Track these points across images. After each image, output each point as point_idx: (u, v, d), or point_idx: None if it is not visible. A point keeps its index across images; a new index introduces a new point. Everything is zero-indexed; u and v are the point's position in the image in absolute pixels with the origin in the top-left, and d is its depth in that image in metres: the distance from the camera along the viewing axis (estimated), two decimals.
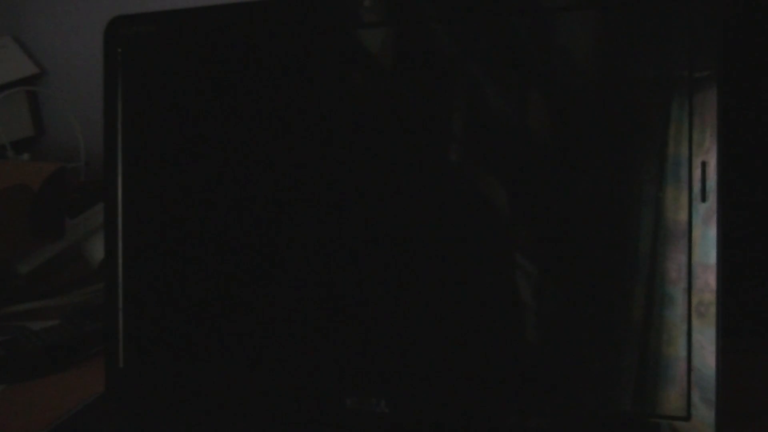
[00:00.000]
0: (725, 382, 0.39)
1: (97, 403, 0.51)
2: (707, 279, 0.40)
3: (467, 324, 0.44)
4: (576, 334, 0.42)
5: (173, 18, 0.52)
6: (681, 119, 0.40)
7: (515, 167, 0.44)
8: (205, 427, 0.47)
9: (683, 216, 0.40)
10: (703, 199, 0.40)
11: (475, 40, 0.44)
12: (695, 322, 0.40)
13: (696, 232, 0.40)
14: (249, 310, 0.49)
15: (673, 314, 0.40)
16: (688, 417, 0.40)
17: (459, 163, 0.45)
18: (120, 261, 0.52)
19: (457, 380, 0.44)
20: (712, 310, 0.40)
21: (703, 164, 0.40)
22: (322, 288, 0.47)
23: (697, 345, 0.40)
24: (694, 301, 0.40)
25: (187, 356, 0.50)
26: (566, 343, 0.42)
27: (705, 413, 0.39)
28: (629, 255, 0.41)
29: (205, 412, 0.49)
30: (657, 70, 0.41)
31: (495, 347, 0.44)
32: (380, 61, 0.47)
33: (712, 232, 0.40)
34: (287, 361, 0.48)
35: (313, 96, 0.48)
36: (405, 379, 0.45)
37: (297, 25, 0.48)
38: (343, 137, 0.47)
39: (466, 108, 0.45)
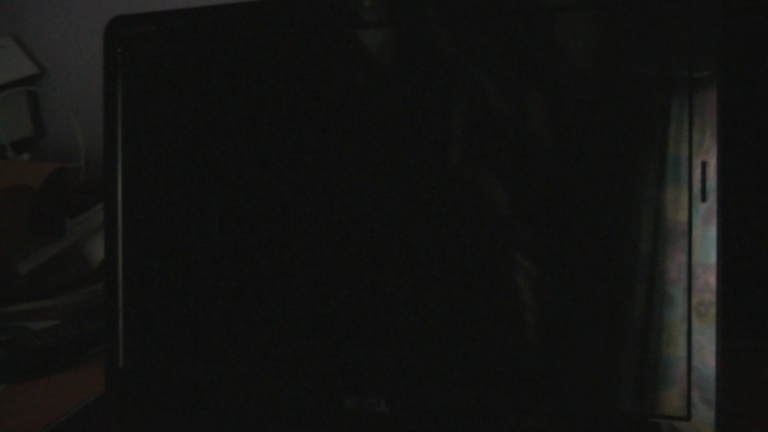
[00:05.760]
0: (725, 382, 0.39)
1: (97, 403, 0.51)
2: (707, 279, 0.40)
3: (467, 324, 0.44)
4: (576, 334, 0.42)
5: (173, 18, 0.52)
6: (681, 119, 0.40)
7: (515, 167, 0.44)
8: (205, 427, 0.47)
9: (683, 216, 0.40)
10: (703, 199, 0.40)
11: (475, 40, 0.44)
12: (695, 322, 0.40)
13: (696, 232, 0.40)
14: (249, 310, 0.49)
15: (673, 314, 0.40)
16: (688, 417, 0.40)
17: (459, 162, 0.45)
18: (120, 261, 0.52)
19: (457, 380, 0.44)
20: (712, 310, 0.40)
21: (703, 164, 0.40)
22: (323, 288, 0.47)
23: (697, 345, 0.40)
24: (694, 301, 0.40)
25: (187, 356, 0.50)
26: (566, 343, 0.42)
27: (705, 413, 0.39)
28: (629, 255, 0.41)
29: (204, 412, 0.49)
30: (657, 70, 0.41)
31: (495, 347, 0.44)
32: (380, 61, 0.47)
33: (712, 232, 0.40)
34: (287, 361, 0.48)
35: (314, 96, 0.48)
36: (405, 379, 0.45)
37: (297, 25, 0.48)
38: (343, 137, 0.47)
39: (466, 108, 0.45)
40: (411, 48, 0.46)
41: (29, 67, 1.11)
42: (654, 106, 0.41)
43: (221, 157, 0.50)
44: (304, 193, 0.48)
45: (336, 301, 0.47)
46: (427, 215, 0.45)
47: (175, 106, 0.51)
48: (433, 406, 0.45)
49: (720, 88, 0.40)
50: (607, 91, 0.42)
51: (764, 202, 0.62)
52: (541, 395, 0.43)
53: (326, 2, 0.48)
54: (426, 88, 0.45)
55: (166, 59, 0.51)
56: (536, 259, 0.43)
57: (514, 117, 0.44)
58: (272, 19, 0.49)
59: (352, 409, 0.46)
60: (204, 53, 0.50)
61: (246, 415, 0.48)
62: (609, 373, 0.42)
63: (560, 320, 0.43)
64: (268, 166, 0.49)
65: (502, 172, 0.44)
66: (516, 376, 0.43)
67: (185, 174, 0.51)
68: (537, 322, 0.43)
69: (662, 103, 0.41)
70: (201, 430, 0.47)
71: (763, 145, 0.62)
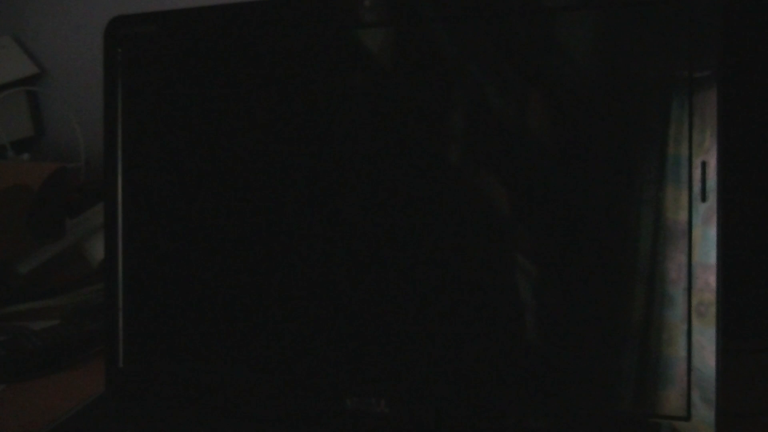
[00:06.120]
0: (725, 382, 0.39)
1: (97, 403, 0.51)
2: (707, 279, 0.40)
3: (467, 324, 0.44)
4: (576, 334, 0.42)
5: (173, 18, 0.52)
6: (681, 119, 0.40)
7: (515, 167, 0.44)
8: (205, 427, 0.47)
9: (683, 216, 0.40)
10: (703, 199, 0.40)
11: (475, 40, 0.44)
12: (695, 322, 0.40)
13: (696, 232, 0.40)
14: (249, 310, 0.49)
15: (673, 314, 0.40)
16: (688, 417, 0.40)
17: (459, 163, 0.45)
18: (120, 261, 0.52)
19: (457, 380, 0.44)
20: (712, 310, 0.40)
21: (703, 164, 0.40)
22: (323, 288, 0.47)
23: (697, 345, 0.40)
24: (694, 301, 0.40)
25: (187, 356, 0.50)
26: (566, 343, 0.42)
27: (705, 413, 0.39)
28: (629, 255, 0.41)
29: (205, 412, 0.49)
30: (657, 70, 0.41)
31: (495, 347, 0.44)
32: (380, 61, 0.47)
33: (712, 232, 0.40)
34: (287, 361, 0.48)
35: (314, 96, 0.48)
36: (405, 379, 0.45)
37: (297, 25, 0.48)
38: (343, 137, 0.47)
39: (466, 108, 0.45)
40: (411, 48, 0.46)
41: (29, 67, 1.11)
42: (654, 106, 0.41)
43: (221, 157, 0.50)
44: (304, 194, 0.48)
45: (336, 301, 0.47)
46: (428, 215, 0.45)
47: (175, 106, 0.51)
48: (433, 406, 0.45)
49: (720, 88, 0.40)
50: (607, 91, 0.42)
51: (764, 202, 0.62)
52: (542, 395, 0.43)
53: (326, 2, 0.48)
54: (426, 88, 0.45)
55: (166, 59, 0.51)
56: (536, 259, 0.43)
57: (513, 117, 0.44)
58: (272, 19, 0.49)
59: (352, 409, 0.46)
60: (204, 53, 0.50)
61: (246, 415, 0.48)
62: (609, 373, 0.42)
63: (560, 320, 0.43)
64: (268, 166, 0.49)
65: (502, 172, 0.44)
66: (516, 376, 0.43)
67: (185, 174, 0.51)
68: (537, 322, 0.43)
69: (662, 103, 0.41)
70: (200, 430, 0.47)
71: (763, 145, 0.62)
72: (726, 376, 0.39)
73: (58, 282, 0.80)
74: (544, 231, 0.43)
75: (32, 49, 1.14)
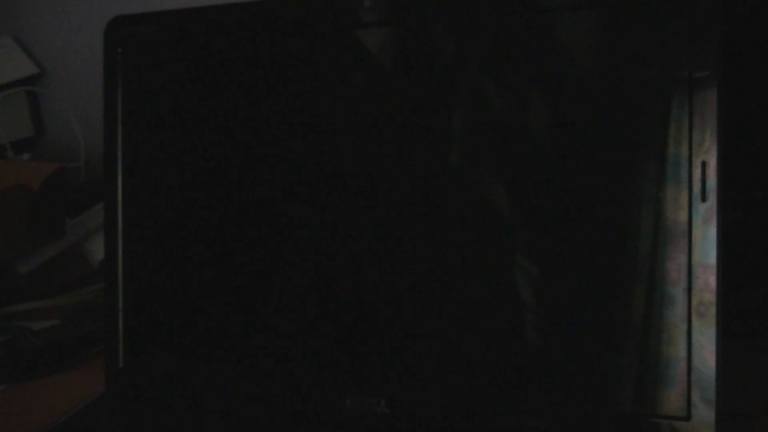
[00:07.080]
0: (725, 382, 0.39)
1: (97, 403, 0.51)
2: (707, 279, 0.40)
3: (467, 324, 0.44)
4: (576, 334, 0.42)
5: (173, 18, 0.52)
6: (681, 119, 0.40)
7: (515, 167, 0.44)
8: (204, 427, 0.47)
9: (683, 216, 0.40)
10: (703, 199, 0.40)
11: (476, 40, 0.44)
12: (695, 322, 0.40)
13: (696, 232, 0.40)
14: (249, 310, 0.49)
15: (673, 314, 0.40)
16: (688, 417, 0.40)
17: (459, 162, 0.45)
18: (120, 261, 0.52)
19: (457, 380, 0.44)
20: (712, 310, 0.40)
21: (703, 164, 0.40)
22: (323, 288, 0.47)
23: (697, 345, 0.40)
24: (694, 301, 0.40)
25: (187, 356, 0.50)
26: (566, 343, 0.42)
27: (705, 413, 0.39)
28: (629, 255, 0.41)
29: (204, 412, 0.49)
30: (657, 70, 0.41)
31: (495, 347, 0.44)
32: (380, 61, 0.47)
33: (712, 232, 0.40)
34: (287, 361, 0.48)
35: (314, 96, 0.48)
36: (405, 379, 0.45)
37: (297, 25, 0.48)
38: (343, 137, 0.47)
39: (466, 108, 0.45)
40: (411, 48, 0.46)
41: (29, 67, 1.11)
42: (654, 106, 0.41)
43: (221, 157, 0.50)
44: (304, 194, 0.48)
45: (336, 301, 0.47)
46: (428, 215, 0.45)
47: (175, 106, 0.51)
48: (433, 406, 0.45)
49: (720, 88, 0.40)
50: (607, 91, 0.42)
51: (764, 202, 0.62)
52: (542, 395, 0.43)
53: (326, 2, 0.48)
54: (426, 88, 0.45)
55: (166, 59, 0.51)
56: (536, 259, 0.43)
57: (514, 117, 0.44)
58: (272, 19, 0.49)
59: (352, 409, 0.46)
60: (204, 53, 0.50)
61: (246, 415, 0.48)
62: (609, 373, 0.42)
63: (560, 320, 0.43)
64: (268, 166, 0.49)
65: (502, 172, 0.44)
66: (516, 376, 0.43)
67: (185, 174, 0.51)
68: (537, 321, 0.43)
69: (662, 103, 0.41)
70: (201, 430, 0.47)
71: (763, 145, 0.62)
72: (726, 376, 0.39)
73: (58, 282, 0.80)
74: (544, 231, 0.43)
75: (32, 49, 1.13)
